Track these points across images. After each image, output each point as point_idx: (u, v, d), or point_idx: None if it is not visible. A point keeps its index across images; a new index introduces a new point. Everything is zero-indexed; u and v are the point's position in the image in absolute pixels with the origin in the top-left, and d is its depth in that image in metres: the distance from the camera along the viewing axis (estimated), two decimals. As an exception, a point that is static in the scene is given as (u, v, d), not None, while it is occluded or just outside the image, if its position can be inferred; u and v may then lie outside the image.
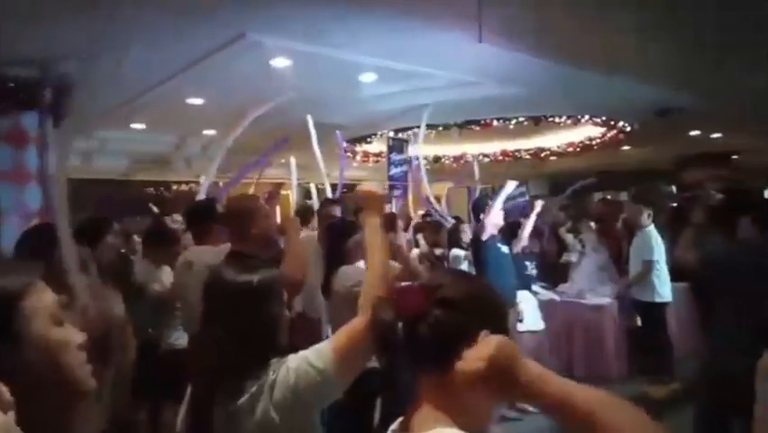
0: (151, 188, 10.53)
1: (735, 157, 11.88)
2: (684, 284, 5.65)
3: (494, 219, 4.37)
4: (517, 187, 5.27)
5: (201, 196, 4.93)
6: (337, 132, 6.48)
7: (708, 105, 7.24)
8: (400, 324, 0.94)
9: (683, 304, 5.56)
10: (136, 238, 4.78)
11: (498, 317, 0.97)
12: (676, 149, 11.20)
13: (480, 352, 0.83)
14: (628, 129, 8.65)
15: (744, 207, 2.93)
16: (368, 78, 5.53)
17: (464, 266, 4.87)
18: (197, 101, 6.22)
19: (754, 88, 7.05)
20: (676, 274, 5.22)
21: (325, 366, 1.19)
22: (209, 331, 1.29)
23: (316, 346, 1.24)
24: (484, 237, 4.29)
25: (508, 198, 4.88)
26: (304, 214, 4.79)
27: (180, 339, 3.37)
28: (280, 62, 4.87)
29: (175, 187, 10.95)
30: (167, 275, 3.52)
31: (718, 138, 10.20)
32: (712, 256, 3.05)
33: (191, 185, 9.73)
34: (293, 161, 5.94)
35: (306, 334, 3.11)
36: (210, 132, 7.99)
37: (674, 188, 9.74)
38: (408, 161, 6.60)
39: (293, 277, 2.28)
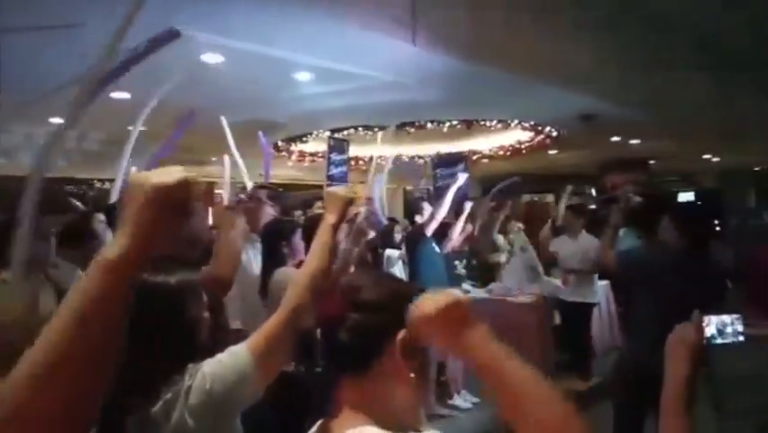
0: (72, 186, 9.98)
1: (652, 162, 12.64)
2: (604, 283, 5.96)
3: (441, 217, 4.45)
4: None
5: (115, 193, 4.74)
6: (259, 132, 6.39)
7: (627, 113, 7.67)
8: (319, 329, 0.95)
9: (601, 302, 5.85)
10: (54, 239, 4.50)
11: None
12: (599, 154, 11.79)
13: (436, 298, 0.86)
14: (555, 134, 9.03)
15: (661, 210, 3.12)
16: (303, 77, 5.49)
17: (398, 266, 4.93)
18: (123, 96, 5.96)
19: (671, 97, 7.55)
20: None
21: (242, 367, 1.16)
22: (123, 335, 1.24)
23: (232, 348, 1.20)
24: (429, 232, 4.36)
25: (443, 178, 4.91)
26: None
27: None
28: (212, 58, 4.75)
29: (98, 184, 10.43)
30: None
31: (637, 144, 10.82)
32: (631, 256, 3.24)
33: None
34: (227, 159, 5.79)
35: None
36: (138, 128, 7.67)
37: (593, 191, 10.24)
38: (349, 162, 6.60)
39: (221, 275, 2.23)
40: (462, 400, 4.70)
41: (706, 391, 2.56)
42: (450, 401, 4.69)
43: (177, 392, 1.12)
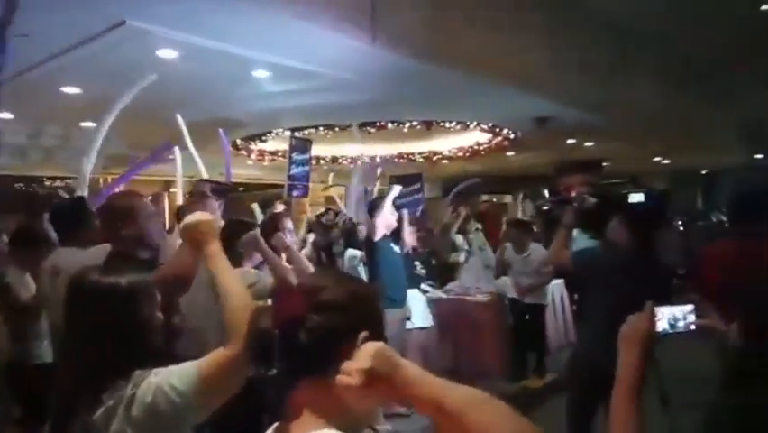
0: (21, 184, 9.56)
1: (605, 164, 13.03)
2: (558, 281, 6.11)
3: (385, 220, 4.43)
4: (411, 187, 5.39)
5: (80, 193, 4.57)
6: (220, 129, 6.29)
7: (582, 116, 7.88)
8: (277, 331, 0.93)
9: (552, 301, 6.00)
10: (5, 237, 4.31)
11: (375, 319, 0.96)
12: (554, 155, 12.07)
13: (358, 362, 0.85)
14: (512, 136, 9.20)
15: (614, 211, 3.21)
16: (262, 74, 5.42)
17: (360, 266, 4.92)
18: (74, 90, 5.76)
19: (624, 101, 7.80)
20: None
21: (187, 391, 1.13)
22: (71, 339, 1.20)
23: (184, 366, 1.17)
24: (376, 238, 4.34)
25: (401, 196, 4.95)
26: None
27: (47, 353, 3.09)
28: (168, 54, 4.64)
29: (48, 183, 10.03)
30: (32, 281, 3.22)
31: (591, 146, 11.13)
32: (585, 256, 3.33)
33: (67, 181, 8.95)
34: (179, 155, 5.68)
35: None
36: (89, 124, 7.42)
37: (547, 193, 10.47)
38: (310, 161, 6.55)
39: (176, 274, 2.18)
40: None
41: (654, 384, 2.66)
42: (398, 410, 4.71)
43: (119, 399, 1.08)
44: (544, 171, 13.33)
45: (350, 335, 0.89)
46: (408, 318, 4.51)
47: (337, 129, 7.74)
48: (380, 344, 0.88)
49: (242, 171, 11.12)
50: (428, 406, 0.84)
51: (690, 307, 1.30)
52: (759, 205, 2.87)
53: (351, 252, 4.96)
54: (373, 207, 4.66)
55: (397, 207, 4.62)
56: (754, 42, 8.09)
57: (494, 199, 13.66)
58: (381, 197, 5.55)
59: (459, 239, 6.84)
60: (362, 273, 4.67)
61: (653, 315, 1.25)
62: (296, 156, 6.16)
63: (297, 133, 7.35)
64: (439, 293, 5.52)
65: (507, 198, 13.44)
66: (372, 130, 7.81)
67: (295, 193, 6.13)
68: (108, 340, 1.14)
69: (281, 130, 8.02)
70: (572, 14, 6.52)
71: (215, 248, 1.41)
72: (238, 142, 8.70)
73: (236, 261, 2.91)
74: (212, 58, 4.72)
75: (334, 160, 10.10)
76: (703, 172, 17.00)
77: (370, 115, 7.42)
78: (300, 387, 0.93)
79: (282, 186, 6.11)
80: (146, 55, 4.57)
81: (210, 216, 1.47)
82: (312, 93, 6.12)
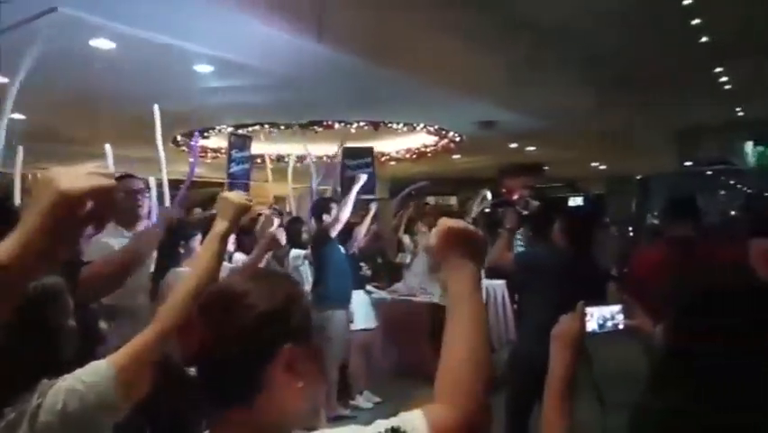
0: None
1: (546, 168, 13.43)
2: (500, 282, 6.24)
3: (345, 217, 4.42)
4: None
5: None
6: (196, 132, 6.10)
7: (524, 121, 8.09)
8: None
9: (493, 301, 6.12)
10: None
11: (302, 326, 0.88)
12: (498, 159, 12.34)
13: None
14: (458, 139, 9.34)
15: (554, 214, 3.30)
16: (204, 69, 5.26)
17: (305, 267, 4.85)
18: (2, 80, 5.40)
19: (563, 108, 8.05)
20: (490, 273, 5.73)
21: (101, 384, 1.03)
22: None
23: (94, 362, 1.06)
24: (333, 234, 4.32)
25: (353, 168, 4.89)
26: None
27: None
28: (102, 44, 4.42)
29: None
30: None
31: (533, 150, 11.45)
32: (526, 257, 3.41)
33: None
34: (109, 149, 5.42)
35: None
36: (18, 116, 7.00)
37: (489, 195, 10.63)
38: (251, 159, 6.40)
39: (103, 272, 2.07)
40: (364, 400, 4.72)
41: (590, 384, 2.74)
42: (352, 402, 4.68)
43: (22, 413, 0.99)
44: (488, 174, 13.61)
45: (278, 344, 0.82)
46: (351, 321, 4.49)
47: (282, 127, 7.62)
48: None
49: (184, 168, 10.78)
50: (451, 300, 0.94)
51: (618, 307, 1.34)
52: (687, 210, 3.01)
53: (294, 252, 4.87)
54: (320, 207, 4.61)
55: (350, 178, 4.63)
56: (683, 55, 8.55)
57: (440, 201, 13.82)
58: (329, 197, 5.50)
59: (405, 240, 6.87)
60: (307, 274, 4.60)
61: (583, 315, 1.28)
62: (235, 154, 6.02)
63: (239, 131, 7.19)
64: (384, 294, 5.52)
65: (453, 200, 13.64)
66: (319, 129, 7.74)
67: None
68: (12, 349, 1.05)
69: (225, 126, 7.83)
70: (515, 22, 6.68)
71: (218, 230, 1.39)
72: (178, 137, 8.43)
73: (175, 260, 2.82)
74: (151, 50, 4.54)
75: (279, 159, 9.94)
76: (638, 178, 17.82)
77: (316, 114, 7.35)
78: (224, 400, 0.83)
79: (223, 185, 5.97)
80: (79, 45, 4.35)
81: (238, 199, 1.45)
82: (257, 90, 6.00)
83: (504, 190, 12.34)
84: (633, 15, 6.92)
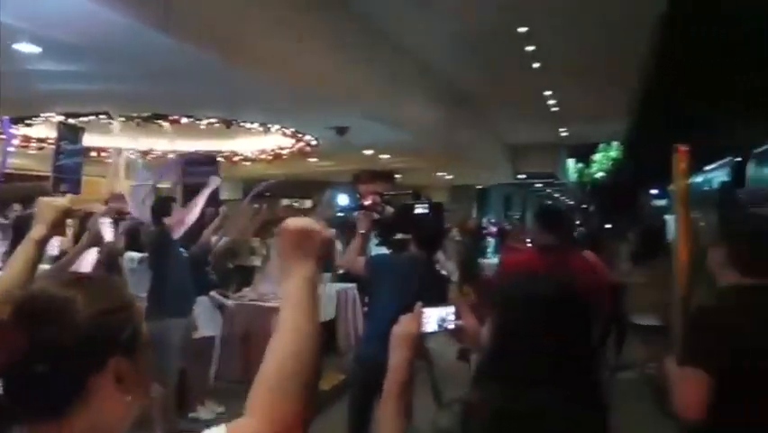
0: None
1: (397, 176, 13.98)
2: (352, 285, 6.35)
3: (191, 220, 4.18)
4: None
5: None
6: (5, 118, 5.31)
7: (377, 129, 8.34)
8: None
9: (344, 304, 6.23)
10: None
11: (134, 337, 0.82)
12: (353, 164, 12.59)
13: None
14: (314, 142, 9.36)
15: (404, 220, 3.45)
16: (27, 49, 4.66)
17: (141, 270, 4.49)
18: None
19: (413, 119, 8.45)
20: (343, 277, 5.83)
21: None
22: None
23: None
24: (176, 235, 4.06)
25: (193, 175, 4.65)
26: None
27: None
28: None
29: None
30: None
31: (387, 158, 11.86)
32: (378, 261, 3.53)
33: None
34: None
35: None
36: None
37: (339, 196, 10.82)
38: (82, 152, 5.77)
39: None
40: (207, 411, 4.50)
41: (430, 382, 2.88)
42: (192, 414, 4.44)
43: None
44: (344, 179, 13.81)
45: (102, 357, 0.75)
46: (195, 328, 4.27)
47: (122, 119, 7.03)
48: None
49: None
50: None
51: (451, 308, 1.43)
52: (549, 220, 3.28)
53: (130, 254, 4.50)
54: (160, 207, 4.31)
55: (193, 186, 4.39)
56: (518, 78, 9.46)
57: (295, 204, 13.73)
58: (170, 197, 5.17)
59: (256, 243, 6.70)
60: (144, 279, 4.27)
61: (420, 316, 1.35)
62: (65, 145, 5.41)
63: (69, 120, 6.48)
64: (230, 300, 5.32)
65: (308, 203, 13.62)
66: (164, 124, 7.25)
67: (62, 187, 5.35)
68: None
69: (54, 114, 7.01)
70: (374, 33, 6.89)
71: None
72: (9, 127, 7.37)
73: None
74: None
75: (119, 153, 9.15)
76: (477, 187, 19.34)
77: (161, 107, 6.88)
78: (43, 419, 0.75)
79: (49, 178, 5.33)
80: None
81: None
82: (92, 77, 5.46)
83: (359, 196, 12.60)
84: (476, 39, 7.51)
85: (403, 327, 1.33)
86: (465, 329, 1.43)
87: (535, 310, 1.18)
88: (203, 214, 4.66)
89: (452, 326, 1.41)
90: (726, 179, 13.94)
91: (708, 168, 16.33)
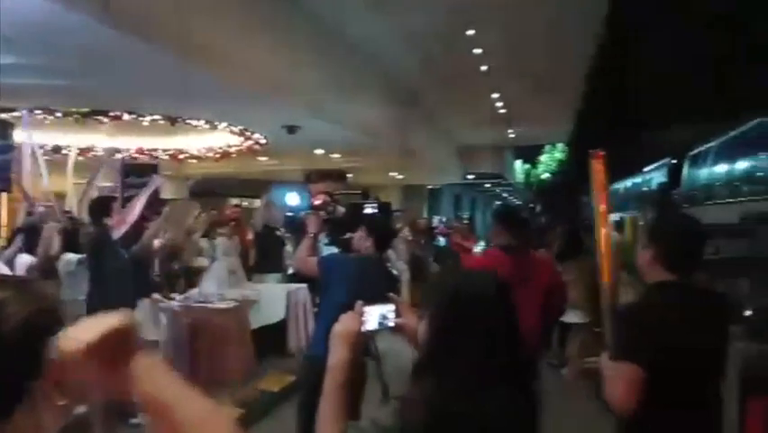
0: None
1: (349, 175, 13.95)
2: (303, 285, 6.29)
3: (131, 220, 4.03)
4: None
5: None
6: None
7: (328, 129, 8.29)
8: None
9: (294, 304, 6.17)
10: None
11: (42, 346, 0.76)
12: (304, 163, 12.48)
13: (89, 327, 0.71)
14: (264, 141, 9.21)
15: (356, 220, 3.45)
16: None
17: (80, 272, 4.31)
18: None
19: (365, 120, 8.45)
20: (294, 277, 5.77)
21: None
22: None
23: None
24: (116, 235, 3.91)
25: (133, 186, 4.50)
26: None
27: None
28: None
29: None
30: None
31: (338, 158, 11.81)
32: (328, 260, 3.51)
33: None
34: None
35: None
36: None
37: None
38: (12, 148, 5.48)
39: None
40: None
41: (377, 377, 2.89)
42: (132, 420, 4.28)
43: None
44: (294, 178, 13.67)
45: (37, 362, 0.73)
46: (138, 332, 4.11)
47: (59, 114, 6.71)
48: (128, 317, 0.75)
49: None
50: (155, 410, 0.74)
51: (392, 306, 1.43)
52: (507, 221, 3.32)
53: (67, 256, 4.31)
54: (99, 207, 4.14)
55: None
56: (467, 81, 9.62)
57: (245, 203, 13.47)
58: (110, 196, 4.99)
59: (203, 243, 6.54)
60: (83, 281, 4.10)
61: (360, 314, 1.34)
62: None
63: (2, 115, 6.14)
64: (174, 302, 5.17)
65: (257, 203, 13.39)
66: (105, 120, 6.97)
67: None
68: None
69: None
70: (321, 33, 6.85)
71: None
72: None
73: None
74: None
75: (57, 150, 8.74)
76: (428, 187, 19.55)
77: (101, 102, 6.61)
78: None
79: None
80: None
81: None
82: (25, 69, 5.17)
83: (312, 195, 12.52)
84: (426, 41, 7.58)
85: (343, 325, 1.33)
86: (405, 327, 1.43)
87: (467, 308, 1.20)
88: (150, 214, 4.52)
89: (392, 324, 1.42)
90: (663, 179, 14.62)
91: (646, 169, 17.09)
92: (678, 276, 1.75)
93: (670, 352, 1.62)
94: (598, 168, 2.08)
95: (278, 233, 7.31)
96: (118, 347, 0.73)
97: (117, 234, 3.93)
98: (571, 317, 5.22)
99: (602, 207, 2.06)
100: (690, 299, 1.75)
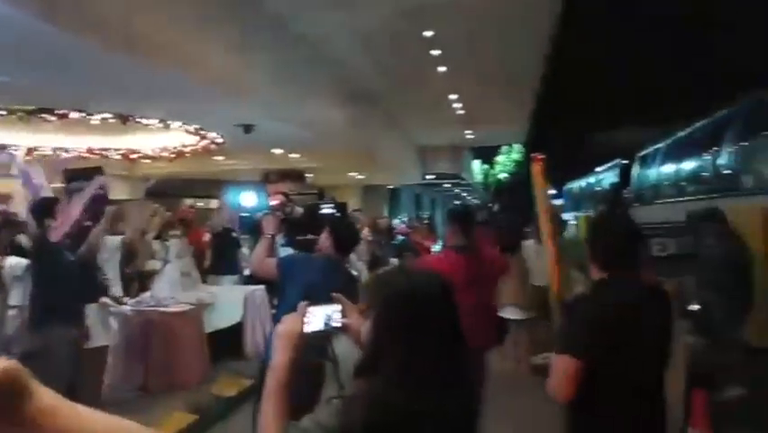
0: None
1: (309, 176, 13.84)
2: (261, 287, 6.21)
3: (70, 222, 3.86)
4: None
5: None
6: None
7: (285, 128, 8.21)
8: None
9: (251, 307, 6.09)
10: None
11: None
12: (262, 163, 12.32)
13: None
14: (220, 140, 9.04)
15: (316, 220, 3.40)
16: None
17: (28, 278, 4.12)
18: None
19: (323, 120, 8.39)
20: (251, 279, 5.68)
21: None
22: None
23: None
24: (55, 238, 3.74)
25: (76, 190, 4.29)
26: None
27: None
28: None
29: None
30: None
31: (297, 158, 11.71)
32: (286, 261, 3.46)
33: None
34: None
35: None
36: None
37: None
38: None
39: None
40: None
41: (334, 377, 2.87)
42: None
43: None
44: (252, 177, 13.47)
45: None
46: (87, 338, 3.97)
47: (3, 113, 6.42)
48: (11, 362, 0.67)
49: None
50: None
51: (338, 307, 1.42)
52: (458, 222, 3.33)
53: (11, 260, 4.12)
54: (42, 208, 3.96)
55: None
56: (425, 81, 9.68)
57: (200, 204, 13.19)
58: (54, 197, 4.79)
59: (155, 245, 6.36)
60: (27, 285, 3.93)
61: (303, 315, 1.33)
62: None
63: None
64: (126, 306, 5.02)
65: (214, 203, 13.13)
66: (51, 118, 6.70)
67: None
68: None
69: None
70: (276, 32, 6.76)
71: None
72: None
73: None
74: None
75: (2, 147, 8.36)
76: (388, 187, 19.60)
77: (47, 100, 6.35)
78: None
79: None
80: None
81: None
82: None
83: (270, 195, 12.36)
84: (384, 42, 7.58)
85: (285, 326, 1.32)
86: (350, 327, 1.43)
87: (421, 307, 1.21)
88: (95, 214, 4.34)
89: (338, 324, 1.41)
90: (615, 179, 15.10)
91: (599, 169, 17.62)
92: (613, 274, 1.83)
93: (605, 346, 1.70)
94: (537, 170, 2.14)
95: (233, 234, 7.19)
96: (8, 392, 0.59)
97: (56, 236, 3.75)
98: (510, 312, 5.29)
99: (543, 207, 2.12)
100: (628, 295, 1.82)
